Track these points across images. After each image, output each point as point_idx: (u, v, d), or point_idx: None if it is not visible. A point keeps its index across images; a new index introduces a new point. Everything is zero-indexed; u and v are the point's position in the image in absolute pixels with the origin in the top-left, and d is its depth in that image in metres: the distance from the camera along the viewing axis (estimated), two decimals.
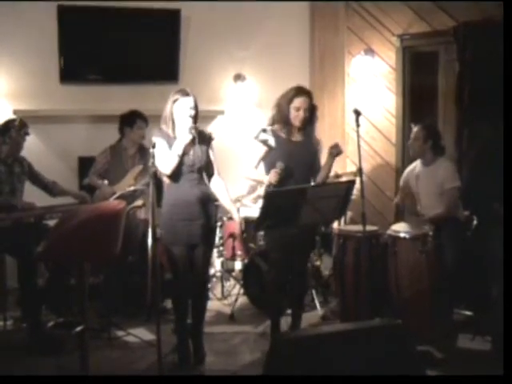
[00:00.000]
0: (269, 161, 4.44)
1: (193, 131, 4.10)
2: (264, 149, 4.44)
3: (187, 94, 4.17)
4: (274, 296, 4.61)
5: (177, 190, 4.22)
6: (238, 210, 5.77)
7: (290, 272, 4.69)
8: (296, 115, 4.41)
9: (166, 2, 6.16)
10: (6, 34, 5.85)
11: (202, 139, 4.27)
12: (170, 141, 4.16)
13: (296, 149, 4.42)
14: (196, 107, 4.19)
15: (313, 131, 4.58)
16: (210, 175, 4.36)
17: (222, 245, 5.95)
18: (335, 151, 4.47)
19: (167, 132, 4.20)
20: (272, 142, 4.41)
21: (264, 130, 4.45)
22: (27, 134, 4.98)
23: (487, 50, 5.41)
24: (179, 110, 4.16)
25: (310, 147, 4.52)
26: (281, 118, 4.46)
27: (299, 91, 4.44)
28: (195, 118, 4.18)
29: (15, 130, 4.87)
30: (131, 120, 5.54)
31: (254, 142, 4.47)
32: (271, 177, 4.32)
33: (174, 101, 4.17)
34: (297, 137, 4.48)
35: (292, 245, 4.34)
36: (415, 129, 5.24)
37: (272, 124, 4.49)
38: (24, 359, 4.33)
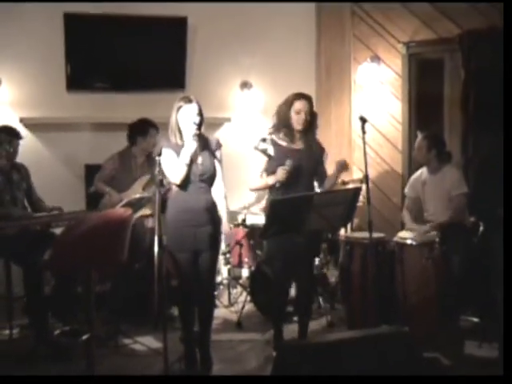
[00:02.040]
0: (269, 170, 4.46)
1: (196, 138, 4.10)
2: (263, 158, 4.48)
3: (190, 101, 4.15)
4: (276, 303, 4.63)
5: (184, 197, 4.21)
6: (245, 219, 5.82)
7: (294, 279, 4.70)
8: (297, 118, 4.42)
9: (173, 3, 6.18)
10: (13, 42, 5.89)
11: (210, 146, 4.28)
12: (178, 149, 4.16)
13: (296, 156, 4.42)
14: (201, 114, 4.18)
15: (314, 139, 4.58)
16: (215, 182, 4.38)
17: (229, 252, 5.95)
18: (340, 167, 4.47)
19: (175, 141, 4.21)
20: (271, 151, 4.44)
21: (263, 140, 4.48)
22: (20, 138, 4.97)
23: (491, 58, 5.43)
24: (184, 117, 4.15)
25: (311, 155, 4.52)
26: (282, 123, 4.47)
27: (299, 95, 4.48)
28: (200, 125, 4.18)
29: (6, 137, 4.88)
30: (144, 129, 5.53)
31: (255, 151, 4.50)
32: (279, 174, 4.31)
33: (178, 108, 4.16)
34: (298, 144, 4.49)
35: (294, 252, 4.34)
36: (418, 139, 5.24)
37: (274, 132, 4.50)
38: (30, 367, 4.32)
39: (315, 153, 4.56)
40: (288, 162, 4.31)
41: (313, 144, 4.55)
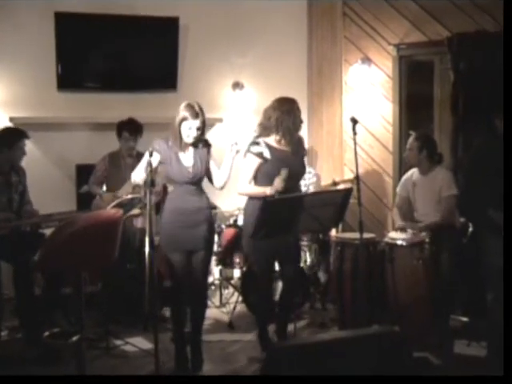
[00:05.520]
0: (265, 172, 4.45)
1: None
2: (257, 161, 4.45)
3: (196, 116, 4.16)
4: (260, 304, 4.70)
5: (177, 198, 4.27)
6: (236, 220, 5.83)
7: (281, 278, 4.74)
8: None
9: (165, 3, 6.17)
10: (3, 41, 5.85)
11: (201, 147, 4.30)
12: (168, 153, 4.20)
13: (288, 158, 4.46)
14: (203, 125, 4.23)
15: (298, 139, 4.58)
16: (213, 182, 4.40)
17: (220, 252, 5.94)
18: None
19: (177, 146, 4.22)
20: (267, 154, 4.43)
21: (257, 143, 4.46)
22: (27, 138, 4.96)
23: (480, 61, 5.50)
24: (186, 130, 4.18)
25: (297, 157, 4.56)
26: (269, 126, 4.47)
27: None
28: (198, 139, 4.25)
29: (17, 137, 4.86)
30: (118, 131, 5.55)
31: (248, 155, 4.48)
32: (277, 184, 4.31)
33: (183, 119, 4.16)
34: (286, 146, 4.49)
35: (281, 251, 4.37)
36: (409, 140, 5.26)
37: (260, 134, 4.50)
38: (20, 370, 4.29)
39: (300, 155, 4.61)
40: (284, 171, 4.32)
41: (297, 144, 4.57)
